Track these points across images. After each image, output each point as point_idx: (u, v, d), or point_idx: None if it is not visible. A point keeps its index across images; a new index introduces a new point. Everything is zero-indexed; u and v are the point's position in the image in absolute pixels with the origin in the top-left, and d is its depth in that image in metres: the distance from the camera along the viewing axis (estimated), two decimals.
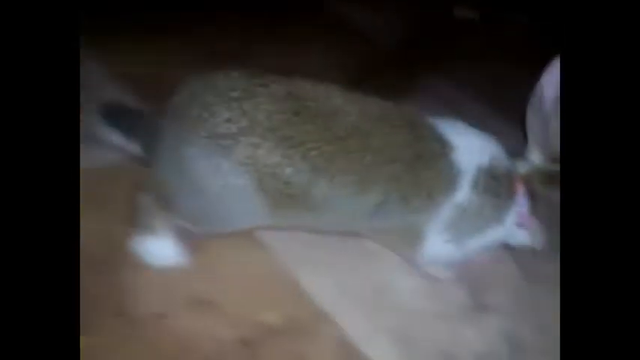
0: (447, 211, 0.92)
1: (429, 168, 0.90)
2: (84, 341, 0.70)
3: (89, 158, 1.01)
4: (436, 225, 0.93)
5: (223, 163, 0.83)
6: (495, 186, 0.93)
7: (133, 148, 0.96)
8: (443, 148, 0.91)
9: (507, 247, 1.03)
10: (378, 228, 0.96)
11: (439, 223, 0.93)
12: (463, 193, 0.91)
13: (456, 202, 0.91)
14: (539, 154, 0.96)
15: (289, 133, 0.84)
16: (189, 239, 0.96)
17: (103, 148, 1.02)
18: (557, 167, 0.93)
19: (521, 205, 0.97)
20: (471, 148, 0.93)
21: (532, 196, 0.97)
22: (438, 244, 0.95)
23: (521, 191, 0.96)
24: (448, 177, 0.90)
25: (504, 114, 1.36)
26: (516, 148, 0.99)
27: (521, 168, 0.97)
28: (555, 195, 0.94)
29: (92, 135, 0.99)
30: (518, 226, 0.98)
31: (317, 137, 0.86)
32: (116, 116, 0.99)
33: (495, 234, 0.96)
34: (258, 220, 0.91)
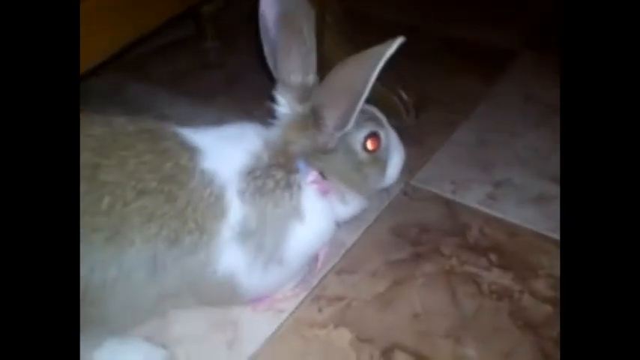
0: (229, 237, 0.73)
1: (184, 189, 0.71)
2: None
3: None
4: (235, 259, 0.74)
5: None
6: (264, 183, 0.76)
7: None
8: (192, 158, 0.73)
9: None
10: (176, 291, 0.73)
11: (235, 255, 0.74)
12: (235, 209, 0.73)
13: (233, 222, 0.73)
14: (287, 92, 0.79)
15: None
16: None
17: None
18: (305, 107, 0.78)
19: (309, 175, 0.79)
20: (222, 151, 0.76)
21: (309, 156, 0.80)
22: (257, 277, 0.77)
23: (296, 162, 0.79)
24: (209, 196, 0.72)
25: None
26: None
27: (276, 136, 0.79)
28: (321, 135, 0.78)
29: None
30: (326, 196, 0.81)
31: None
32: None
33: (308, 228, 0.78)
34: None
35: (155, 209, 0.68)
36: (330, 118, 0.76)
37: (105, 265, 0.66)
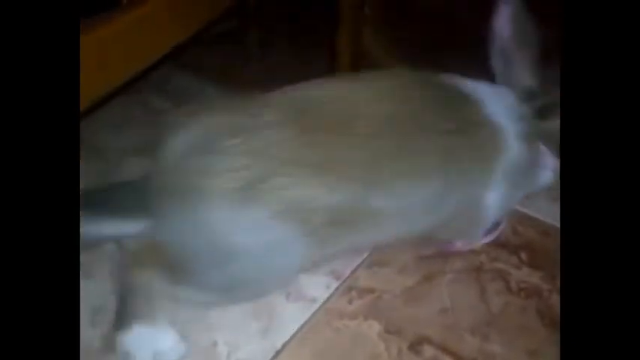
0: (501, 172, 0.84)
1: (478, 128, 0.82)
2: None
3: None
4: (494, 191, 0.85)
5: (252, 219, 0.70)
6: (529, 131, 0.86)
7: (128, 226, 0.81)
8: (476, 104, 0.83)
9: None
10: (443, 219, 0.84)
11: (497, 188, 0.85)
12: (514, 148, 0.84)
13: (509, 159, 0.84)
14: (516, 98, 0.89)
15: (309, 157, 0.72)
16: None
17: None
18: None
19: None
20: (496, 99, 0.86)
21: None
22: (494, 207, 0.87)
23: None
24: (495, 133, 0.83)
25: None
26: None
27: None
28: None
29: None
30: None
31: (341, 145, 0.73)
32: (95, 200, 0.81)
33: (541, 178, 0.92)
34: (299, 269, 0.82)
35: (454, 149, 0.79)
36: None
37: (402, 196, 0.76)
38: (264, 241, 0.72)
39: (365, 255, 0.98)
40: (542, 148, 0.89)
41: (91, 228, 0.75)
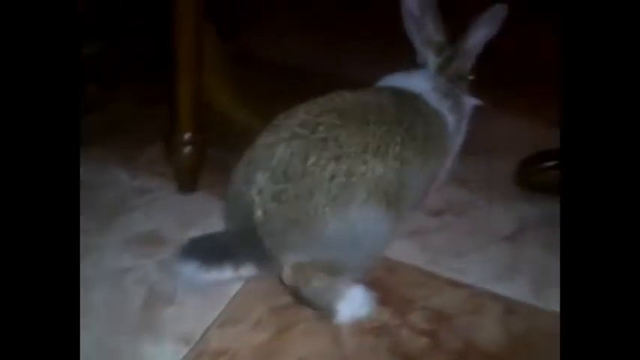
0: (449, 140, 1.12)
1: (428, 117, 1.05)
2: None
3: None
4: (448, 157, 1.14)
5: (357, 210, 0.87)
6: (453, 101, 1.12)
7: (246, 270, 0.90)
8: (419, 97, 1.07)
9: None
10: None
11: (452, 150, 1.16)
12: (450, 121, 1.11)
13: (450, 130, 1.11)
14: (431, 54, 1.17)
15: (362, 143, 0.89)
16: None
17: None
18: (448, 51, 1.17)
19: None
20: (427, 86, 1.11)
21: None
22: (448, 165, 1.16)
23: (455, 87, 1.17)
24: (439, 118, 1.08)
25: None
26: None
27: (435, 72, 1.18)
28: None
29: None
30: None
31: (369, 132, 0.92)
32: (205, 251, 0.90)
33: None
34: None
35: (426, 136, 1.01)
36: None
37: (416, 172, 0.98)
38: (380, 224, 0.91)
39: (216, 314, 0.94)
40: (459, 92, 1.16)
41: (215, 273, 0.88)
